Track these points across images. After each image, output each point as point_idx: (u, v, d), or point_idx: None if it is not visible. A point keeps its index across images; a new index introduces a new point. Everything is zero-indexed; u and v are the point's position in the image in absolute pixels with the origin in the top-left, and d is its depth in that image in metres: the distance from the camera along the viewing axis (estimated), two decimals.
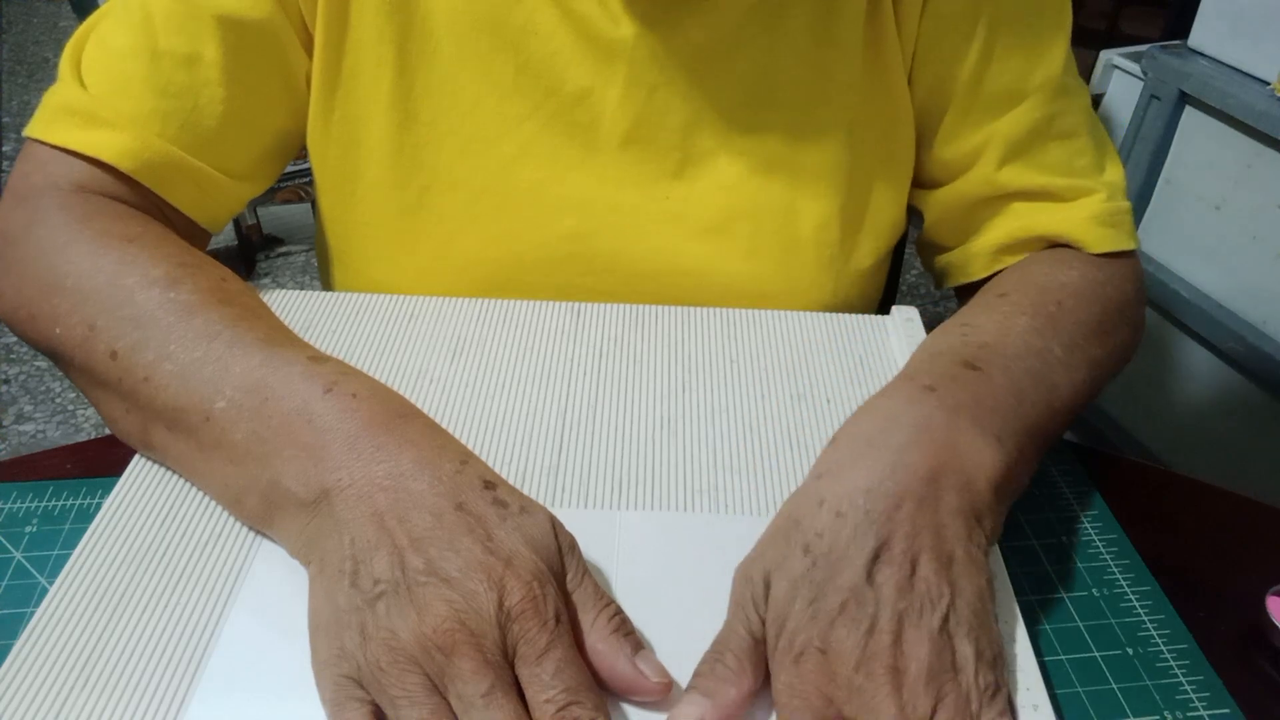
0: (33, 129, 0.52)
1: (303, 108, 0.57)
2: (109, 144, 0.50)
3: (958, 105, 0.58)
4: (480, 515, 0.37)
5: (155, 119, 0.52)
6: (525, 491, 0.45)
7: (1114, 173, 0.59)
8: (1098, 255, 0.56)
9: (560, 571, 0.38)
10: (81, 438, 1.59)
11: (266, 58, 0.54)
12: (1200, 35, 1.24)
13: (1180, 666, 0.40)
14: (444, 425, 0.49)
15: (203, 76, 0.52)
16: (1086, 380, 0.49)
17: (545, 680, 0.34)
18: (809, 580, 0.37)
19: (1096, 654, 0.41)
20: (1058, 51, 0.57)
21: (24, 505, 0.46)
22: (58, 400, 1.67)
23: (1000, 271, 0.59)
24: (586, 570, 0.39)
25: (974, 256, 0.60)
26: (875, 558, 0.37)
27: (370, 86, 0.56)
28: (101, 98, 0.51)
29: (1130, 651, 0.41)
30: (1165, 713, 0.39)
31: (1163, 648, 0.41)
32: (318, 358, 0.43)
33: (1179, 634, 0.42)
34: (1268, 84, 1.16)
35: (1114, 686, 0.39)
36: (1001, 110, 0.57)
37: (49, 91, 0.52)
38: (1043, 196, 0.58)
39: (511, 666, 0.35)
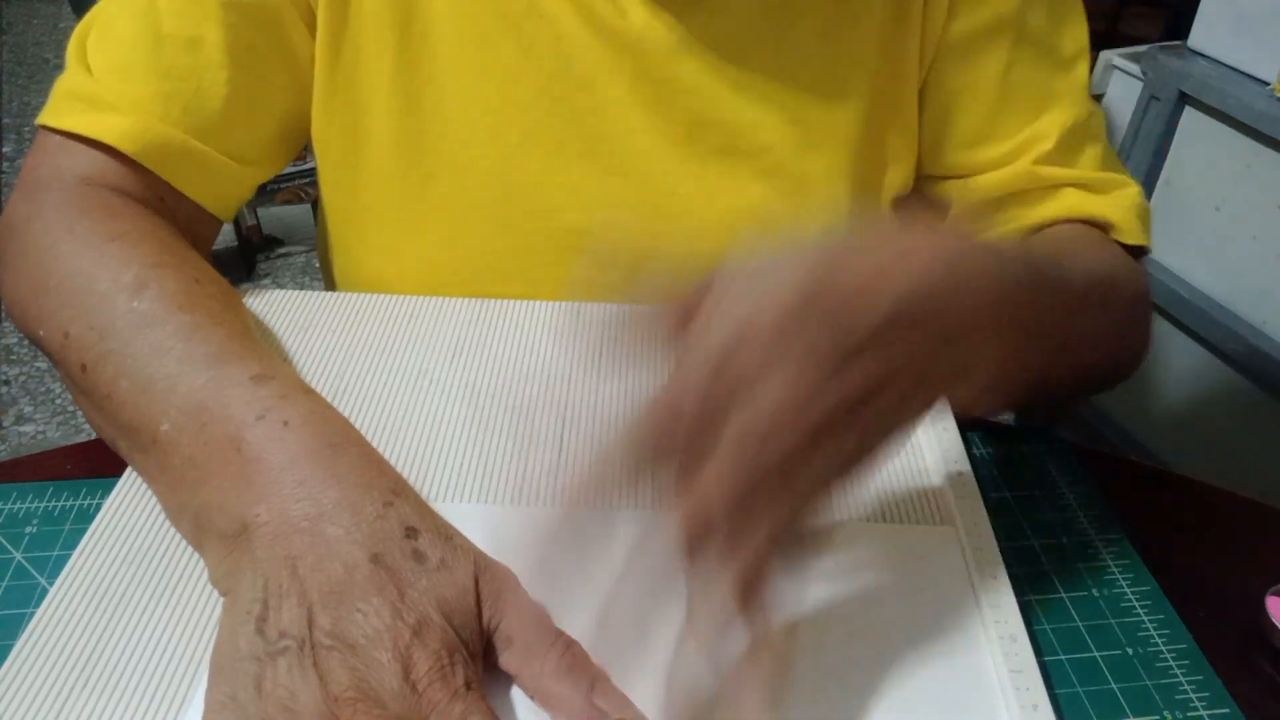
0: (42, 116, 0.52)
1: (309, 90, 0.57)
2: (112, 127, 0.51)
3: (983, 110, 0.59)
4: (395, 569, 0.36)
5: (158, 102, 0.52)
6: (525, 491, 0.46)
7: (1132, 180, 0.61)
8: (1125, 250, 0.57)
9: (478, 631, 0.36)
10: (81, 438, 1.59)
11: (269, 40, 0.54)
12: (1200, 35, 1.24)
13: (1180, 666, 0.40)
14: (444, 425, 0.49)
15: (205, 59, 0.52)
16: (1086, 327, 0.46)
17: None
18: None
19: (1096, 654, 0.41)
20: (1081, 57, 0.59)
21: (24, 505, 0.46)
22: (58, 401, 1.67)
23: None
24: (529, 607, 0.37)
25: (1005, 233, 0.60)
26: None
27: (372, 70, 0.55)
28: (106, 83, 0.52)
29: (1130, 651, 0.41)
30: (1165, 713, 0.39)
31: (1163, 648, 0.41)
32: (262, 377, 0.42)
33: (1179, 634, 0.42)
34: (1268, 84, 1.16)
35: (1114, 686, 0.39)
36: (1035, 114, 0.58)
37: (57, 80, 0.53)
38: (1082, 186, 0.59)
39: None
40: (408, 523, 0.37)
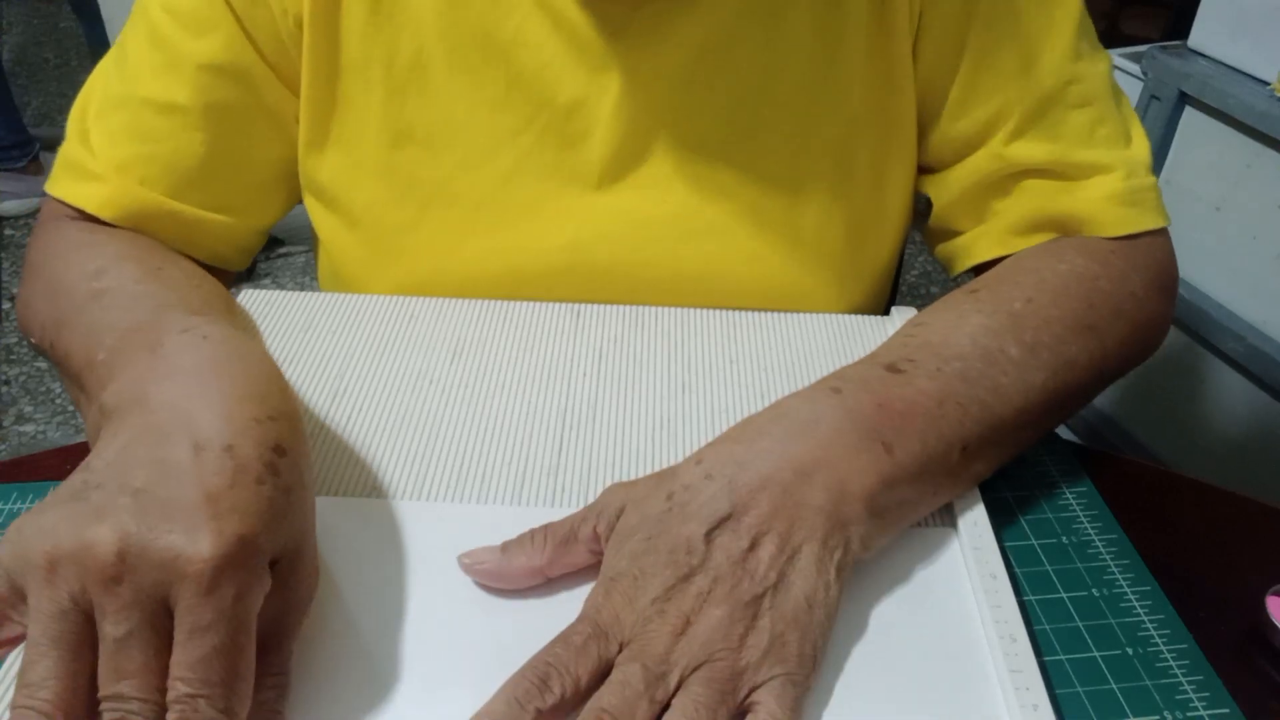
0: (47, 184, 0.57)
1: (294, 139, 0.58)
2: (93, 196, 0.54)
3: (965, 75, 0.56)
4: (242, 465, 0.34)
5: (138, 165, 0.55)
6: (524, 492, 0.46)
7: (1139, 147, 0.57)
8: (1113, 241, 0.54)
9: (270, 561, 0.34)
10: (81, 438, 1.59)
11: (245, 99, 0.56)
12: (1200, 35, 1.24)
13: (1180, 666, 0.40)
14: (444, 426, 0.49)
15: (180, 121, 0.55)
16: (1052, 381, 0.47)
17: (185, 662, 0.31)
18: (657, 519, 0.39)
19: (1096, 654, 0.41)
20: (1070, 12, 0.55)
21: (24, 506, 0.46)
22: (58, 401, 1.67)
23: (1009, 256, 0.57)
24: (302, 596, 0.37)
25: (981, 237, 0.59)
26: (722, 522, 0.38)
27: (361, 109, 0.56)
28: (94, 149, 0.55)
29: (1130, 651, 0.41)
30: (1165, 713, 0.39)
31: (1163, 648, 0.41)
32: (199, 310, 0.45)
33: (1179, 634, 0.42)
34: (1268, 84, 1.16)
35: (1114, 686, 0.39)
36: (1011, 77, 0.55)
37: (60, 148, 0.57)
38: (1055, 174, 0.56)
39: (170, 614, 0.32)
40: (281, 441, 0.36)
